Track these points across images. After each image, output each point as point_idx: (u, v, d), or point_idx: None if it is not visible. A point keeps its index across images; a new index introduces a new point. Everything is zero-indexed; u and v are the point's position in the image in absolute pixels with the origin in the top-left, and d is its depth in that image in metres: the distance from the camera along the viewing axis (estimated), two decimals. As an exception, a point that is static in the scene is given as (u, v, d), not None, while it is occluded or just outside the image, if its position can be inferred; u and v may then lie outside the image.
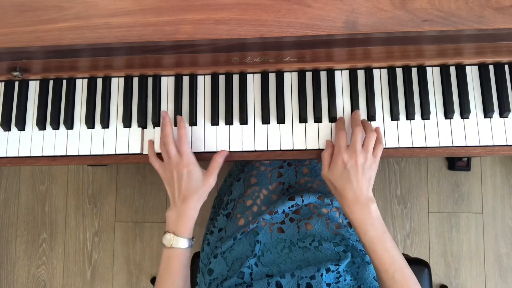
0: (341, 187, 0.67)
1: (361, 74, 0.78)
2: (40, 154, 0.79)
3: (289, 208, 0.79)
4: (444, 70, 0.76)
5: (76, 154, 0.79)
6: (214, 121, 0.78)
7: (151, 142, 0.77)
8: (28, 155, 0.79)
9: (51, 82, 0.81)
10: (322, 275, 0.66)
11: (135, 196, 1.65)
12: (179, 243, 0.68)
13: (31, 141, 0.80)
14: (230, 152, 0.77)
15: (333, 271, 0.68)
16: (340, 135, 0.70)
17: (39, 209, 1.67)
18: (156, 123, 0.78)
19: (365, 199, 0.66)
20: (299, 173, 0.88)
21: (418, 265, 0.97)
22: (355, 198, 0.66)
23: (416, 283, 0.63)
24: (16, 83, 0.82)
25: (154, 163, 0.74)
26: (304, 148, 0.76)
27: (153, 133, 0.78)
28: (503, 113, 0.75)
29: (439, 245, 1.54)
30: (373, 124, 0.76)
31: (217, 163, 0.74)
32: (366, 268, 0.73)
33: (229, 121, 0.78)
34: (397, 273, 0.63)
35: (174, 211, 0.71)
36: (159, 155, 0.75)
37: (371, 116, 0.76)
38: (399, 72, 0.78)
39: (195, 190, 0.71)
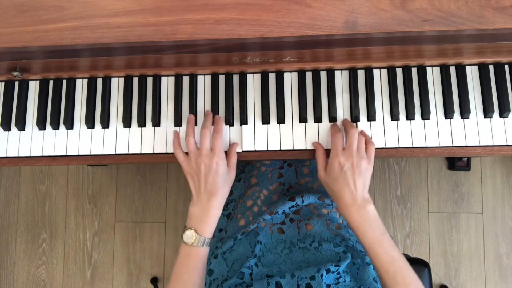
0: (338, 190, 0.67)
1: (361, 74, 0.78)
2: (40, 154, 0.79)
3: (289, 208, 0.79)
4: (444, 70, 0.76)
5: (76, 154, 0.79)
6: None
7: (177, 133, 0.76)
8: (28, 155, 0.79)
9: (51, 82, 0.81)
10: (322, 276, 0.66)
11: (135, 196, 1.65)
12: (201, 242, 0.67)
13: (31, 141, 0.80)
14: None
15: (333, 272, 0.68)
16: (337, 137, 0.70)
17: (39, 209, 1.67)
18: (156, 123, 0.78)
19: (362, 201, 0.66)
20: (300, 174, 0.88)
21: (418, 265, 0.97)
22: (352, 200, 0.66)
23: (418, 282, 0.63)
24: (16, 83, 0.82)
25: (178, 155, 0.73)
26: (304, 148, 0.76)
27: (152, 133, 0.78)
28: (503, 113, 0.75)
29: (439, 245, 1.54)
30: (373, 124, 0.76)
31: (234, 156, 0.74)
32: (366, 269, 0.73)
33: (229, 121, 0.78)
34: (398, 273, 0.63)
35: (199, 207, 0.69)
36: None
37: (371, 116, 0.76)
38: (399, 72, 0.78)
39: (221, 185, 0.70)
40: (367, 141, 0.71)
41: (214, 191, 0.69)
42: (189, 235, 0.67)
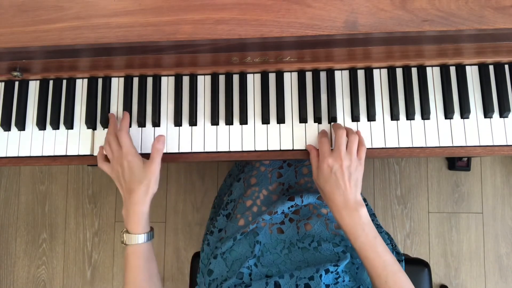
0: (329, 192, 0.67)
1: (361, 74, 0.78)
2: (40, 154, 0.79)
3: (288, 208, 0.79)
4: (444, 70, 0.76)
5: (76, 154, 0.79)
6: (214, 121, 0.78)
7: (101, 148, 0.76)
8: (28, 155, 0.79)
9: (51, 82, 0.81)
10: (321, 276, 0.66)
11: (135, 196, 1.65)
12: (134, 239, 0.68)
13: (31, 141, 0.80)
14: (230, 152, 0.77)
15: (332, 272, 0.68)
16: (323, 142, 0.70)
17: (39, 209, 1.67)
18: (156, 123, 0.79)
19: (354, 203, 0.66)
20: (299, 174, 0.88)
21: (418, 265, 0.97)
22: (344, 202, 0.66)
23: (411, 286, 0.63)
24: (16, 83, 0.82)
25: (102, 166, 0.74)
26: (304, 148, 0.76)
27: (152, 133, 0.78)
28: (503, 113, 0.75)
29: (439, 245, 1.54)
30: (373, 124, 0.76)
31: (156, 150, 0.73)
32: (365, 269, 0.73)
33: (229, 121, 0.78)
34: (390, 277, 0.62)
35: (125, 208, 0.70)
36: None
37: (371, 116, 0.76)
38: (399, 72, 0.78)
39: (138, 181, 0.69)
40: (360, 143, 0.70)
41: (131, 188, 0.69)
42: (123, 237, 0.69)
